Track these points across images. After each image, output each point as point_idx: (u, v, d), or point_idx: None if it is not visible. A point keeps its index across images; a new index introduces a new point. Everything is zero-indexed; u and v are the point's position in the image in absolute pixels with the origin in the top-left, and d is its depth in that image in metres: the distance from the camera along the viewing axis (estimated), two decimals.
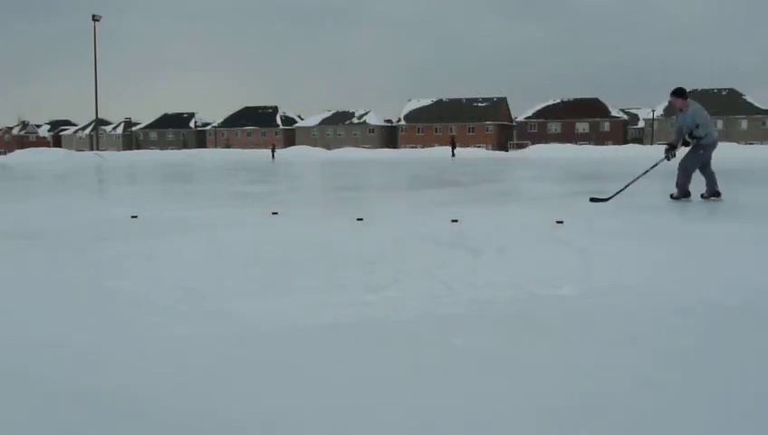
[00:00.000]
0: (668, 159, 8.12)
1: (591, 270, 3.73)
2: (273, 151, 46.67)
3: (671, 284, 3.39)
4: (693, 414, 1.82)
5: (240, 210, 7.83)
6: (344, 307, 2.95)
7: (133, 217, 6.65)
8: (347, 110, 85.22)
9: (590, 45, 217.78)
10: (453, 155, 40.40)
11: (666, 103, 73.35)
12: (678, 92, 7.90)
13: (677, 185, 8.01)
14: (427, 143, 71.84)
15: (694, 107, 7.84)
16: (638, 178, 8.38)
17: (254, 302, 3.07)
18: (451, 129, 76.19)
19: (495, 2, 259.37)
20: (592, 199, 7.72)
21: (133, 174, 20.27)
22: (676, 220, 6.26)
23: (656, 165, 8.43)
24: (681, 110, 7.87)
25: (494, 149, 66.64)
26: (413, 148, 67.94)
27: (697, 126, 7.73)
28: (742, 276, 3.57)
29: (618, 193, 7.89)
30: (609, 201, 7.59)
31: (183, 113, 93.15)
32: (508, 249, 4.43)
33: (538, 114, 77.06)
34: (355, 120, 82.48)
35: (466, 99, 79.45)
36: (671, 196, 8.08)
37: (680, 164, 8.01)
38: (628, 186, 8.12)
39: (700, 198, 7.97)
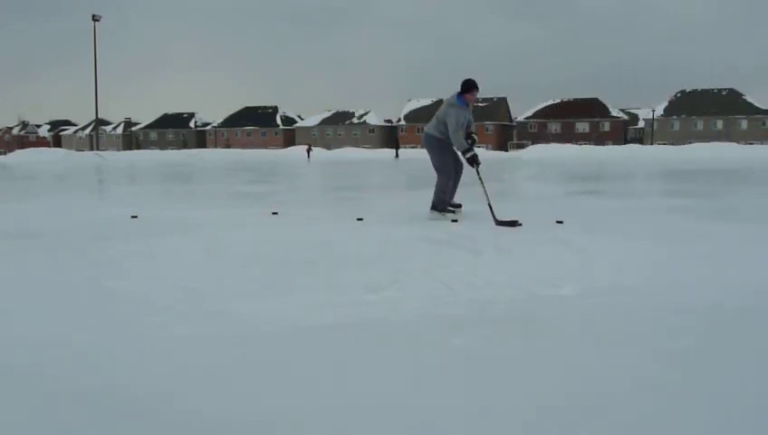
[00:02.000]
0: (479, 163, 6.47)
1: (591, 270, 3.73)
2: (308, 152, 45.65)
3: (671, 284, 3.38)
4: (693, 414, 1.82)
5: (240, 210, 7.83)
6: (344, 307, 2.95)
7: (133, 217, 6.66)
8: (347, 110, 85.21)
9: (590, 45, 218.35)
10: (396, 156, 40.31)
11: (666, 103, 73.45)
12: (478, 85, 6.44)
13: (448, 194, 6.60)
14: None
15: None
16: (486, 195, 6.27)
17: (254, 302, 3.07)
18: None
19: (495, 2, 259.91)
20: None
21: (133, 174, 20.27)
22: (676, 220, 6.26)
23: (480, 178, 6.40)
24: (468, 105, 6.43)
25: (494, 149, 66.70)
26: (413, 148, 67.97)
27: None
28: (742, 276, 3.57)
29: (494, 215, 6.00)
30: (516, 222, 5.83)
31: (183, 113, 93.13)
32: (508, 249, 4.43)
33: (538, 114, 77.06)
34: (355, 120, 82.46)
35: None
36: (451, 208, 6.59)
37: (460, 169, 6.66)
38: (490, 205, 6.17)
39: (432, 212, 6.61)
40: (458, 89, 6.37)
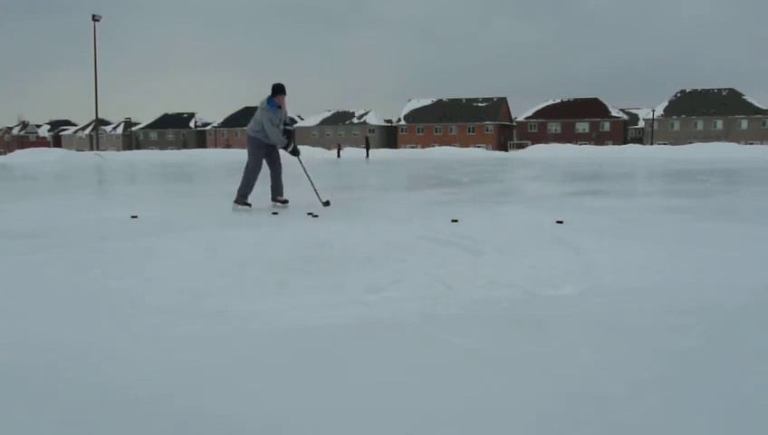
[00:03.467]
0: (298, 153, 7.72)
1: (591, 270, 3.73)
2: (339, 151, 45.17)
3: (671, 284, 3.39)
4: (693, 415, 1.82)
5: (240, 210, 7.82)
6: (344, 307, 2.95)
7: (133, 217, 6.66)
8: (347, 110, 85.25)
9: (590, 45, 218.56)
10: (367, 156, 41.72)
11: (666, 103, 73.46)
12: (285, 90, 7.42)
13: (251, 188, 7.55)
14: (426, 143, 71.89)
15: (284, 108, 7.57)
16: (311, 182, 7.96)
17: (254, 302, 3.07)
18: (451, 129, 76.28)
19: (496, 2, 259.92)
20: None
21: (133, 174, 20.27)
22: (677, 220, 6.26)
23: (305, 170, 8.07)
24: (281, 106, 7.40)
25: (494, 148, 66.70)
26: (413, 148, 68.06)
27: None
28: (742, 276, 3.57)
29: (319, 197, 7.66)
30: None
31: (183, 113, 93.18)
32: (508, 249, 4.43)
33: (538, 114, 77.08)
34: (355, 120, 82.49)
35: (466, 99, 79.45)
36: (244, 202, 7.48)
37: (279, 165, 7.71)
38: (315, 189, 7.81)
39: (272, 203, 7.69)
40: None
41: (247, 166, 7.57)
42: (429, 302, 3.01)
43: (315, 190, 7.65)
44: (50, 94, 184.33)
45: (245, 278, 3.64)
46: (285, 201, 7.71)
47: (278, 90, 7.38)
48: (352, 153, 47.24)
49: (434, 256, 4.23)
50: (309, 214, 6.63)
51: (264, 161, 7.65)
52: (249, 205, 7.46)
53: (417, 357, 2.29)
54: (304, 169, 7.81)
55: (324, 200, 7.58)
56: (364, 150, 48.28)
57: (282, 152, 7.65)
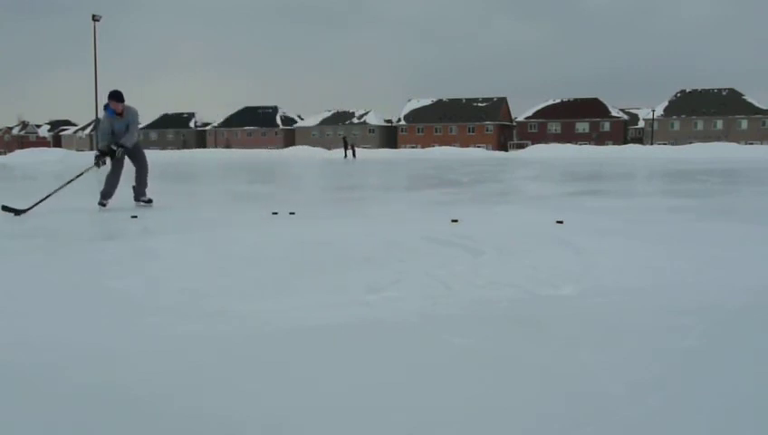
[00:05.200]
0: (99, 167, 7.78)
1: (591, 270, 3.73)
2: (353, 149, 39.91)
3: (671, 284, 3.39)
4: (693, 415, 1.82)
5: (240, 210, 7.83)
6: (344, 307, 2.95)
7: (133, 217, 6.66)
8: (347, 110, 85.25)
9: (590, 45, 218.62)
10: (345, 156, 37.75)
11: (666, 103, 73.43)
12: (121, 96, 7.57)
13: (111, 192, 7.82)
14: (426, 143, 71.90)
15: (133, 111, 7.72)
16: (61, 187, 7.73)
17: (254, 302, 3.07)
18: (451, 129, 76.30)
19: (496, 2, 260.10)
20: (5, 208, 6.88)
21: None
22: (677, 220, 6.26)
23: (81, 174, 8.11)
24: (119, 113, 7.58)
25: (494, 149, 66.71)
26: (413, 148, 68.08)
27: (128, 130, 7.70)
28: (742, 276, 3.57)
29: (36, 204, 7.14)
30: (30, 211, 6.96)
31: (183, 113, 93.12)
32: (508, 249, 4.43)
33: (538, 114, 77.04)
34: (355, 120, 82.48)
35: (466, 99, 79.43)
36: (103, 204, 7.72)
37: (142, 167, 8.11)
38: (49, 196, 7.46)
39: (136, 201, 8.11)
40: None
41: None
42: (429, 302, 3.01)
43: (47, 197, 7.31)
44: (50, 94, 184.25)
45: (245, 278, 3.63)
46: (149, 201, 8.09)
47: (110, 96, 7.54)
48: (360, 153, 47.00)
49: (434, 256, 4.23)
50: (290, 213, 6.76)
51: (131, 163, 8.03)
52: (104, 205, 7.69)
53: (417, 357, 2.29)
54: (79, 175, 7.93)
55: (18, 209, 6.94)
56: (369, 149, 47.47)
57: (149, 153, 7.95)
